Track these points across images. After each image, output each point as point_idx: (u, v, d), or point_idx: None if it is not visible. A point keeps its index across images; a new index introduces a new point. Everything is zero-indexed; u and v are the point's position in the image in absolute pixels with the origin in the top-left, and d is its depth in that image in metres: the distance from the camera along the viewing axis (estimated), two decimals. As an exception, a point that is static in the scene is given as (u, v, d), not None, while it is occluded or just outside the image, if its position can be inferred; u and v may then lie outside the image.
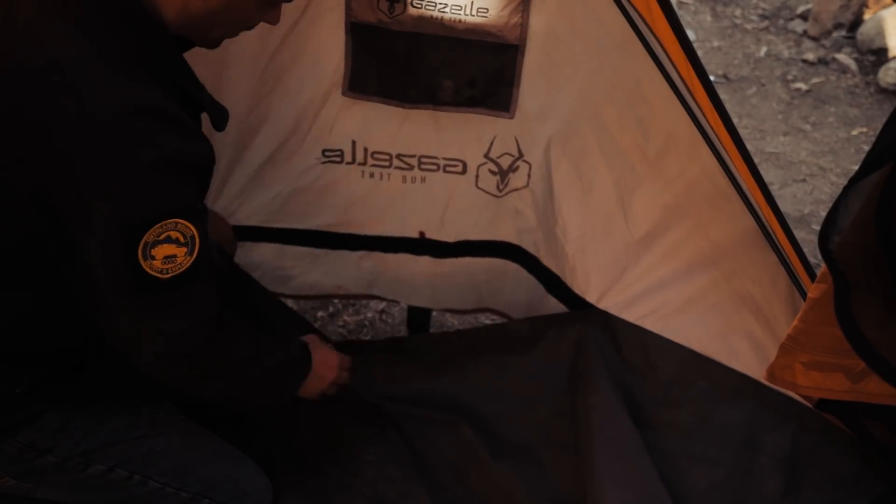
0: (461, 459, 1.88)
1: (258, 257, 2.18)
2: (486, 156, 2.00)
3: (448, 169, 2.04)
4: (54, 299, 1.28)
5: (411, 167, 2.04)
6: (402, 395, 2.03)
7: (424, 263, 2.22)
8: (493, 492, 1.81)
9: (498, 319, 2.52)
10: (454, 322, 2.58)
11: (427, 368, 2.08)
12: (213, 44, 1.39)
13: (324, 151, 2.03)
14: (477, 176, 2.04)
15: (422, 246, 2.19)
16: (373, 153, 2.02)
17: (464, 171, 2.03)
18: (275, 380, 1.52)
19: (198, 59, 1.85)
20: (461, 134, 1.97)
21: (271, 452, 1.81)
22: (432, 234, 2.17)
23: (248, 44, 1.85)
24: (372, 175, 2.06)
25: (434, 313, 2.47)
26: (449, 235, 2.16)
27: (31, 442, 1.35)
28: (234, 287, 2.11)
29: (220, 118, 1.37)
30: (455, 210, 2.11)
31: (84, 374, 1.35)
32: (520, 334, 2.05)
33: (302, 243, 2.20)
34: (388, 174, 2.05)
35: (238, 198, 2.09)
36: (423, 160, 2.03)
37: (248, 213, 2.12)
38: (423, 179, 2.06)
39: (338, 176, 2.07)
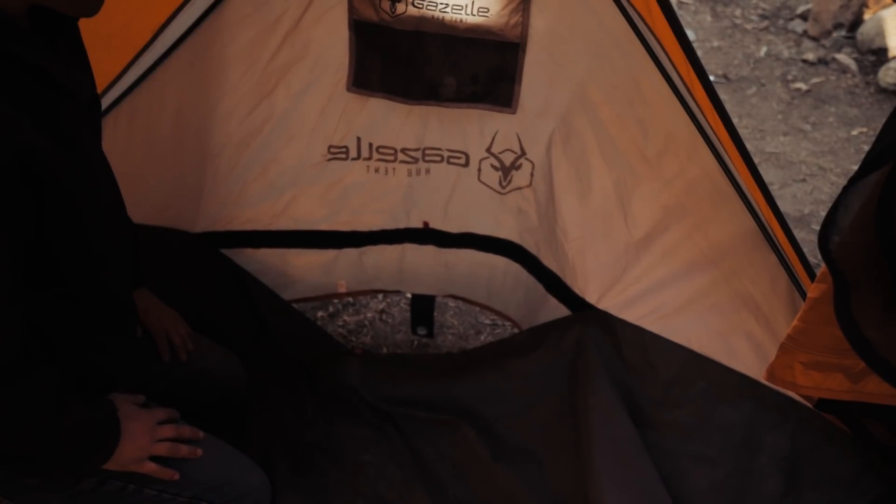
0: (461, 460, 1.88)
1: (258, 265, 2.18)
2: (489, 150, 2.01)
3: (452, 160, 2.05)
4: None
5: (416, 160, 2.05)
6: (402, 396, 2.03)
7: (428, 252, 2.24)
8: (493, 492, 1.81)
9: (498, 319, 2.53)
10: (454, 322, 2.59)
11: (428, 372, 2.09)
12: (80, 7, 1.17)
13: (329, 148, 2.03)
14: (479, 170, 2.05)
15: (426, 235, 2.20)
16: (378, 148, 2.03)
17: (466, 164, 2.04)
18: (75, 443, 1.28)
19: (196, 59, 1.87)
20: (464, 127, 1.99)
21: (271, 452, 1.81)
22: (436, 225, 2.18)
23: (247, 43, 1.86)
24: (377, 170, 2.07)
25: (434, 313, 2.48)
26: (452, 226, 2.18)
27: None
28: (238, 294, 2.12)
29: (78, 85, 1.22)
30: (458, 202, 2.13)
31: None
32: (522, 342, 2.06)
33: (305, 246, 2.20)
34: (394, 168, 2.06)
35: (239, 200, 2.09)
36: (428, 152, 2.04)
37: (250, 217, 2.12)
38: (427, 171, 2.07)
39: (344, 172, 2.07)
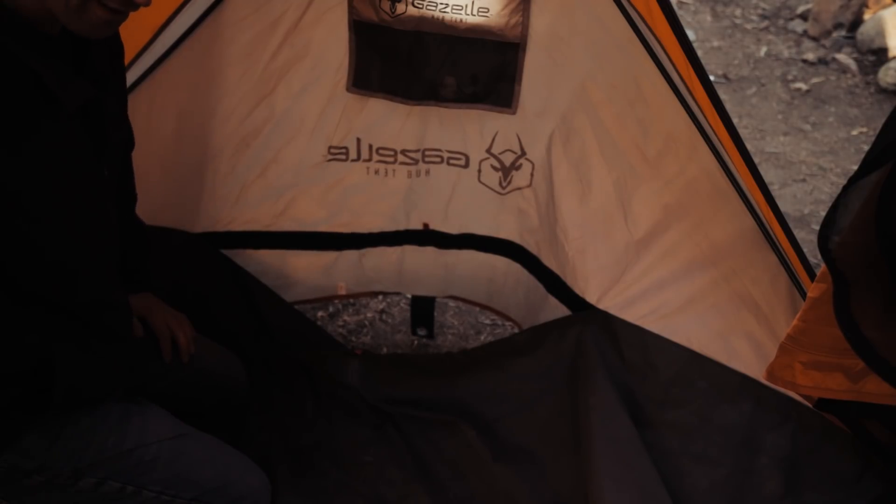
0: (462, 460, 1.88)
1: (258, 266, 2.17)
2: (489, 151, 2.01)
3: (452, 161, 2.05)
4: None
5: (416, 161, 2.05)
6: (402, 396, 2.03)
7: (428, 254, 2.24)
8: (493, 492, 1.81)
9: (498, 319, 2.53)
10: (454, 322, 2.59)
11: (428, 372, 2.09)
12: (86, 27, 1.15)
13: (329, 149, 2.03)
14: (479, 170, 2.05)
15: (426, 237, 2.20)
16: (378, 149, 2.03)
17: (466, 165, 2.04)
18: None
19: (196, 59, 1.87)
20: (463, 128, 1.99)
21: (271, 453, 1.81)
22: (436, 226, 2.18)
23: (247, 43, 1.86)
24: (377, 171, 2.07)
25: (435, 313, 2.48)
26: (452, 227, 2.18)
27: (13, 464, 1.33)
28: (239, 294, 2.12)
29: (71, 98, 1.18)
30: (458, 203, 2.13)
31: (53, 391, 1.28)
32: (522, 342, 2.06)
33: (305, 247, 2.20)
34: (394, 170, 2.06)
35: (239, 201, 2.09)
36: (428, 153, 2.04)
37: (250, 218, 2.12)
38: (427, 172, 2.07)
39: (343, 173, 2.07)
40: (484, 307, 2.40)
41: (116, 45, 1.40)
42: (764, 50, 4.78)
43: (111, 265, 1.41)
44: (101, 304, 1.37)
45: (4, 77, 1.09)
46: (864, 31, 4.71)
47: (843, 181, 2.07)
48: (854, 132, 4.04)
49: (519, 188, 2.06)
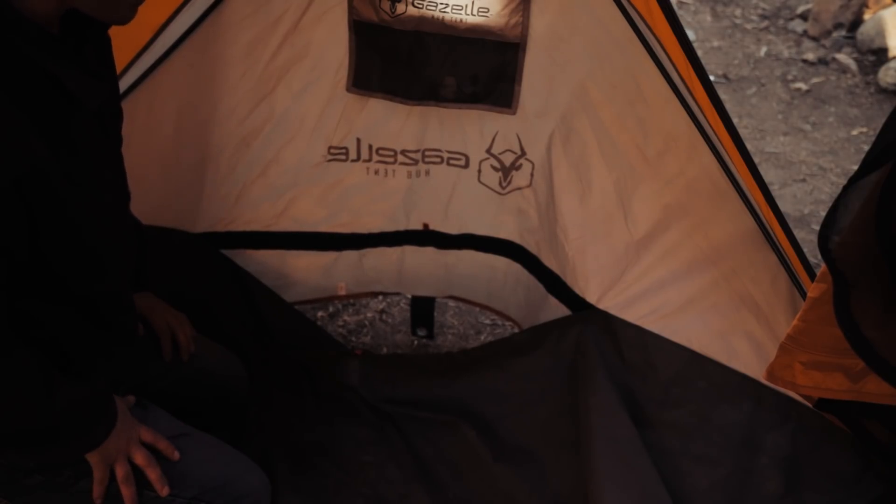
0: (462, 460, 1.88)
1: (258, 266, 2.18)
2: (489, 151, 2.01)
3: (452, 162, 2.05)
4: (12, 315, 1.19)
5: (416, 161, 2.05)
6: (402, 396, 2.03)
7: (428, 254, 2.24)
8: (493, 492, 1.81)
9: (498, 319, 2.53)
10: (454, 322, 2.59)
11: (428, 372, 2.09)
12: (113, 14, 1.18)
13: (329, 149, 2.03)
14: (479, 171, 2.05)
15: (426, 237, 2.20)
16: (378, 149, 2.03)
17: (466, 165, 2.04)
18: (75, 420, 1.27)
19: (196, 59, 1.87)
20: (463, 128, 1.99)
21: (271, 452, 1.82)
22: (436, 226, 2.18)
23: (247, 43, 1.86)
24: (377, 172, 2.07)
25: (434, 314, 2.48)
26: (452, 228, 2.18)
27: (14, 463, 1.33)
28: (239, 294, 2.12)
29: (90, 98, 1.19)
30: (458, 203, 2.13)
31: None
32: (522, 342, 2.06)
33: (305, 247, 2.20)
34: (394, 170, 2.06)
35: (239, 201, 2.09)
36: (428, 153, 2.04)
37: (250, 218, 2.12)
38: (427, 173, 2.08)
39: (343, 173, 2.07)
40: (484, 307, 2.40)
41: (102, 37, 1.38)
42: (764, 50, 4.78)
43: (130, 258, 1.43)
44: (117, 299, 1.38)
45: (30, 81, 1.10)
46: (864, 31, 4.71)
47: (843, 181, 2.07)
48: (854, 132, 4.04)
49: (519, 188, 2.06)
